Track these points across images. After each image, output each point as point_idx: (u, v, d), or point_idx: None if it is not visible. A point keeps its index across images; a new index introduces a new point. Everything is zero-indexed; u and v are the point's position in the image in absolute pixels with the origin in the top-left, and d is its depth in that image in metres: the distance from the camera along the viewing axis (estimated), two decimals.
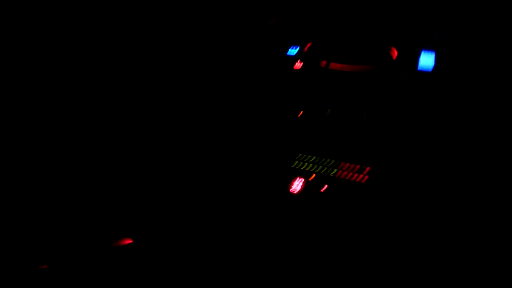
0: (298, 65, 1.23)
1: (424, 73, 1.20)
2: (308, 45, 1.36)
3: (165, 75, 1.32)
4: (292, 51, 1.32)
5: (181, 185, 0.93)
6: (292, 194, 0.74)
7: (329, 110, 0.98)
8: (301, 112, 0.99)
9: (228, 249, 0.77)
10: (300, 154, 0.85)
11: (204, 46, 1.41)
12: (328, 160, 0.82)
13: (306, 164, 0.82)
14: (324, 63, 1.25)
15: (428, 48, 1.30)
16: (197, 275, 0.79)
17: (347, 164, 0.79)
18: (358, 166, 0.79)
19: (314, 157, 0.84)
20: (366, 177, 0.76)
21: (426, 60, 1.25)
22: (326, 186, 0.75)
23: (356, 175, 0.77)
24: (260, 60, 1.35)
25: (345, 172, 0.78)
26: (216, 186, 0.84)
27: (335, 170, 0.79)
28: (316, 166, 0.81)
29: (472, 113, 1.02)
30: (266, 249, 0.74)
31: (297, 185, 0.75)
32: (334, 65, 1.23)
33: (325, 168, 0.80)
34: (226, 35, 1.47)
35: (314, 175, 0.79)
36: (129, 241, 0.87)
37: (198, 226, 0.82)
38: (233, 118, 1.04)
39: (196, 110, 1.12)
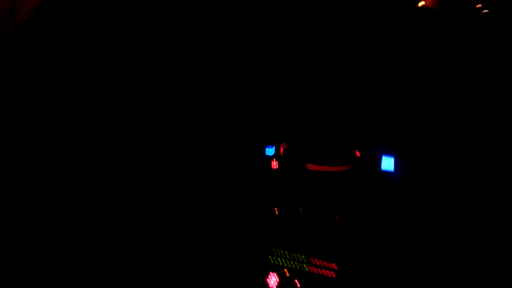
0: (275, 164, 1.37)
1: (387, 173, 1.35)
2: (282, 144, 1.53)
3: None
4: (269, 151, 1.48)
5: None
6: None
7: (301, 209, 1.10)
8: (276, 210, 1.10)
9: None
10: (274, 249, 0.93)
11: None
12: (299, 255, 0.91)
13: (279, 259, 0.90)
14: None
15: (388, 153, 1.48)
16: None
17: (316, 260, 0.89)
18: (326, 262, 0.88)
19: (287, 252, 0.92)
20: (333, 273, 0.85)
21: (387, 163, 1.41)
22: (297, 283, 0.83)
23: (324, 270, 0.86)
24: (239, 157, 1.49)
25: (315, 268, 0.87)
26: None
27: (305, 265, 0.88)
28: (288, 261, 0.89)
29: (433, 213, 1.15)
30: None
31: (272, 280, 0.83)
32: (311, 166, 1.38)
33: (297, 264, 0.88)
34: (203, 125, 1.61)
35: (286, 270, 0.87)
36: None
37: None
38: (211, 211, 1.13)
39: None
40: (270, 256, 0.91)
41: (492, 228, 1.06)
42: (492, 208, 1.15)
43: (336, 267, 0.87)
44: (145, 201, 1.20)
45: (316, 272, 0.86)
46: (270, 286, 0.82)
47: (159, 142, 1.55)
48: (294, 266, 0.88)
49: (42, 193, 1.14)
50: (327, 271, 0.87)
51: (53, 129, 1.23)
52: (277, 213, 1.09)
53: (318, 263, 0.88)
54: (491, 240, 1.00)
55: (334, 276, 0.84)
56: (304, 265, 0.88)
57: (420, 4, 1.54)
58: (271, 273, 0.85)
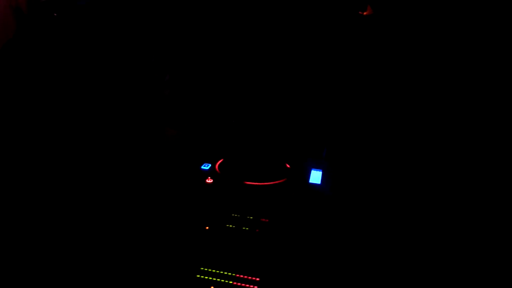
0: (209, 180, 1.41)
1: (314, 185, 1.45)
2: (218, 162, 1.58)
3: None
4: (205, 167, 1.52)
5: None
6: None
7: (230, 225, 1.16)
8: (207, 227, 1.15)
9: None
10: (202, 268, 0.98)
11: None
12: (226, 273, 0.97)
13: (207, 277, 0.95)
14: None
15: (317, 167, 1.58)
16: None
17: (242, 276, 0.95)
18: (250, 278, 0.95)
19: (214, 270, 0.98)
20: (256, 285, 0.92)
21: (315, 176, 1.51)
22: None
23: (248, 284, 0.93)
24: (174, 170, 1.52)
25: (239, 282, 0.93)
26: None
27: (231, 281, 0.94)
28: (215, 278, 0.95)
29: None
30: None
31: None
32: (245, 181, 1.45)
33: (223, 280, 0.94)
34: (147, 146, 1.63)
35: (212, 287, 0.92)
36: None
37: None
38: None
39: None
40: (198, 275, 0.96)
41: (422, 243, 1.16)
42: (422, 223, 1.26)
43: (258, 279, 0.94)
44: (76, 208, 1.21)
45: (240, 285, 0.93)
46: None
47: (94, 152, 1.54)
48: (220, 280, 0.94)
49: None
50: (251, 284, 0.93)
51: None
52: (207, 228, 1.14)
53: (242, 277, 0.95)
54: (420, 256, 1.10)
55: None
56: (229, 281, 0.94)
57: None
58: None
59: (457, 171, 1.41)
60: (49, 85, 1.45)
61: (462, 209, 1.27)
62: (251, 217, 1.19)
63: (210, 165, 1.54)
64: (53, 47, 1.42)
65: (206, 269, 0.98)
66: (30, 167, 1.33)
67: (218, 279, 0.95)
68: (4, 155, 1.27)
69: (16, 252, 1.03)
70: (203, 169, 1.52)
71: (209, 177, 1.44)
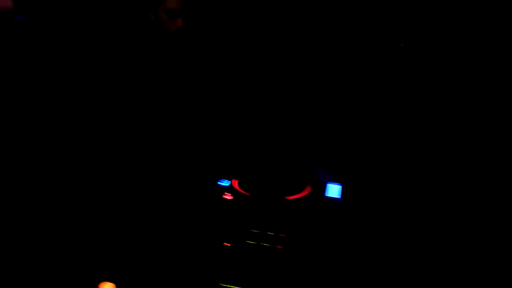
0: (227, 196, 1.41)
1: (332, 199, 1.43)
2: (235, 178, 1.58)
3: None
4: (223, 183, 1.52)
5: None
6: None
7: (251, 242, 1.15)
8: (228, 244, 1.15)
9: None
10: (221, 284, 0.98)
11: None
12: None
13: None
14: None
15: (335, 180, 1.56)
16: None
17: None
18: None
19: (235, 287, 0.97)
20: None
21: (333, 190, 1.49)
22: None
23: None
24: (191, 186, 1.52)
25: None
26: None
27: None
28: None
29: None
30: None
31: None
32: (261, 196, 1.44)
33: None
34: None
35: None
36: None
37: None
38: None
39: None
40: None
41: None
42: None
43: None
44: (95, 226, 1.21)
45: None
46: None
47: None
48: None
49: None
50: None
51: None
52: (227, 244, 1.14)
53: None
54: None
55: None
56: None
57: None
58: None
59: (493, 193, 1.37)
60: (60, 97, 1.45)
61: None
62: (271, 233, 1.19)
63: (227, 180, 1.55)
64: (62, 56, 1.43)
65: (226, 285, 0.97)
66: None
67: None
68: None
69: (19, 252, 1.02)
70: (220, 185, 1.52)
71: (227, 193, 1.44)
